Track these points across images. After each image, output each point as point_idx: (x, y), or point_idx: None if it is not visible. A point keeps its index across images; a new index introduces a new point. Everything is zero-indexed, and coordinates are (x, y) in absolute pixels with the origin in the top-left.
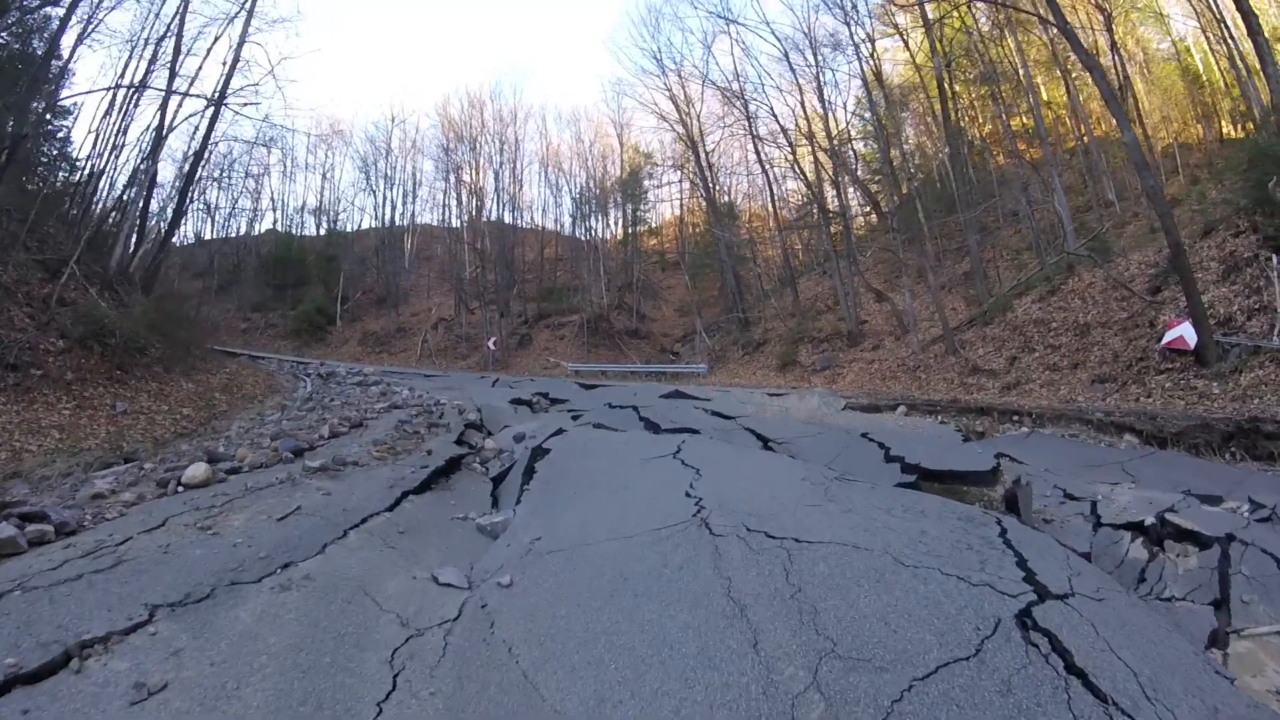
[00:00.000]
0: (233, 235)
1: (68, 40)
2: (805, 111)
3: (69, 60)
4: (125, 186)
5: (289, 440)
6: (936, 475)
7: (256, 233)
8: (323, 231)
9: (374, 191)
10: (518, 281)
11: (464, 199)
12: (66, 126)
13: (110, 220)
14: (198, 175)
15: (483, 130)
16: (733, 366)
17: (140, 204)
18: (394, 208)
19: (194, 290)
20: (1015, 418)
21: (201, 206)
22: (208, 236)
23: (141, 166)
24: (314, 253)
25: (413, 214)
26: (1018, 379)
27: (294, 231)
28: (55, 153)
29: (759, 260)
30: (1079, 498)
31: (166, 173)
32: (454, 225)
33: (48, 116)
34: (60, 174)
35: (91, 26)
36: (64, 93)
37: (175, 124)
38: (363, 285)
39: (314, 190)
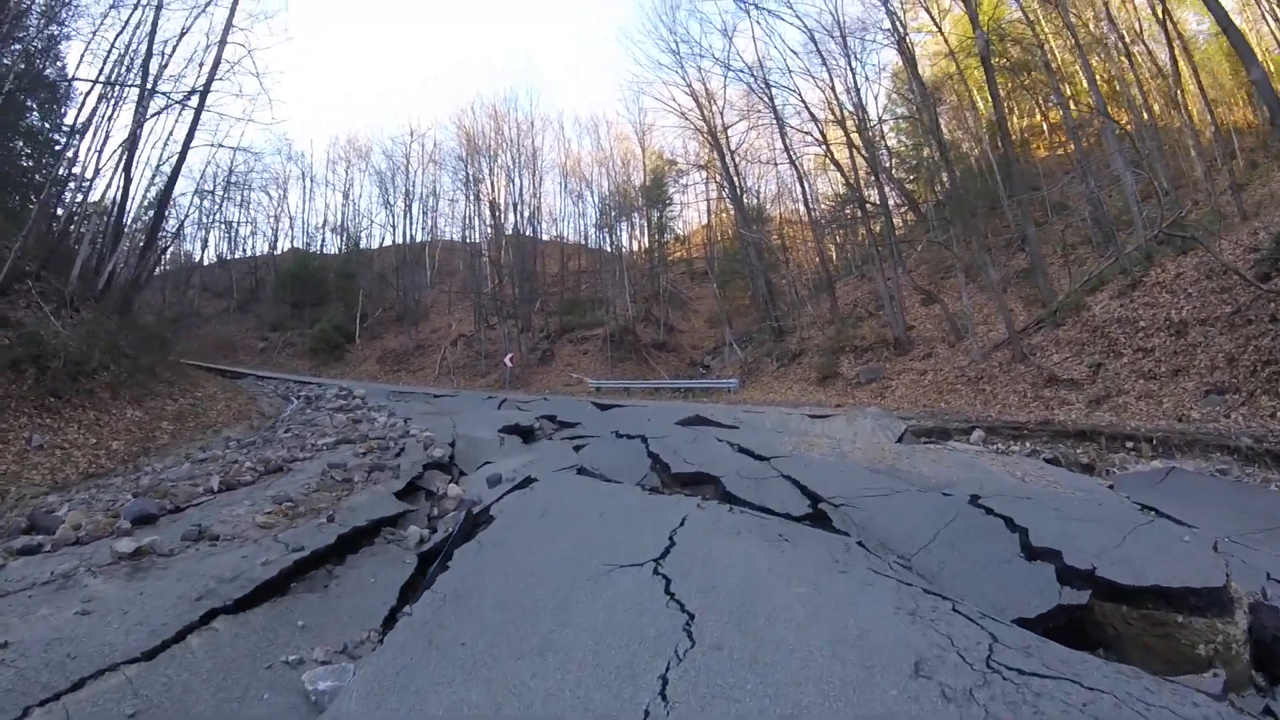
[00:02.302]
0: (255, 255)
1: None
2: (837, 98)
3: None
4: (79, 199)
5: (140, 503)
6: (1126, 593)
7: (279, 252)
8: (344, 249)
9: (389, 205)
10: (539, 295)
11: (483, 212)
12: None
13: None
14: (176, 184)
15: (501, 142)
16: (766, 380)
17: (111, 216)
18: (413, 223)
19: (212, 309)
20: (1130, 444)
21: (220, 225)
22: (230, 256)
23: (103, 173)
24: (333, 270)
25: (432, 229)
26: (1106, 390)
27: (315, 249)
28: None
29: (792, 264)
30: None
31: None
32: (475, 240)
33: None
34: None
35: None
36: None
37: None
38: (382, 303)
39: (334, 208)
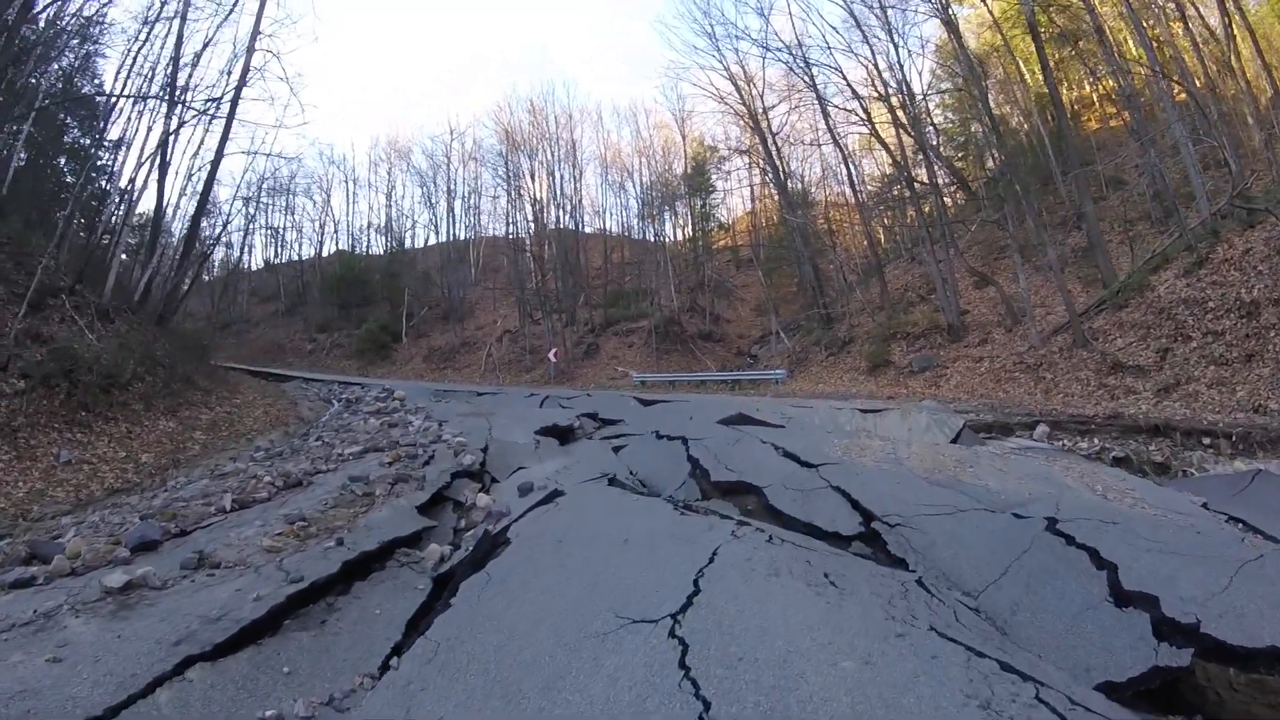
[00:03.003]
0: (302, 259)
1: None
2: (880, 74)
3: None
4: (116, 208)
5: (144, 527)
6: (1236, 655)
7: (325, 255)
8: (389, 249)
9: (432, 204)
10: (583, 289)
11: (524, 208)
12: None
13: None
14: (210, 193)
15: (539, 136)
16: (815, 370)
17: (150, 227)
18: (456, 221)
19: (261, 314)
20: (1207, 441)
21: (265, 230)
22: (277, 261)
23: (138, 186)
24: (378, 271)
25: (475, 226)
26: (1176, 378)
27: (360, 251)
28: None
29: (839, 249)
30: None
31: (227, 194)
32: (518, 235)
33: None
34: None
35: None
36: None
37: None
38: (428, 301)
39: (378, 209)
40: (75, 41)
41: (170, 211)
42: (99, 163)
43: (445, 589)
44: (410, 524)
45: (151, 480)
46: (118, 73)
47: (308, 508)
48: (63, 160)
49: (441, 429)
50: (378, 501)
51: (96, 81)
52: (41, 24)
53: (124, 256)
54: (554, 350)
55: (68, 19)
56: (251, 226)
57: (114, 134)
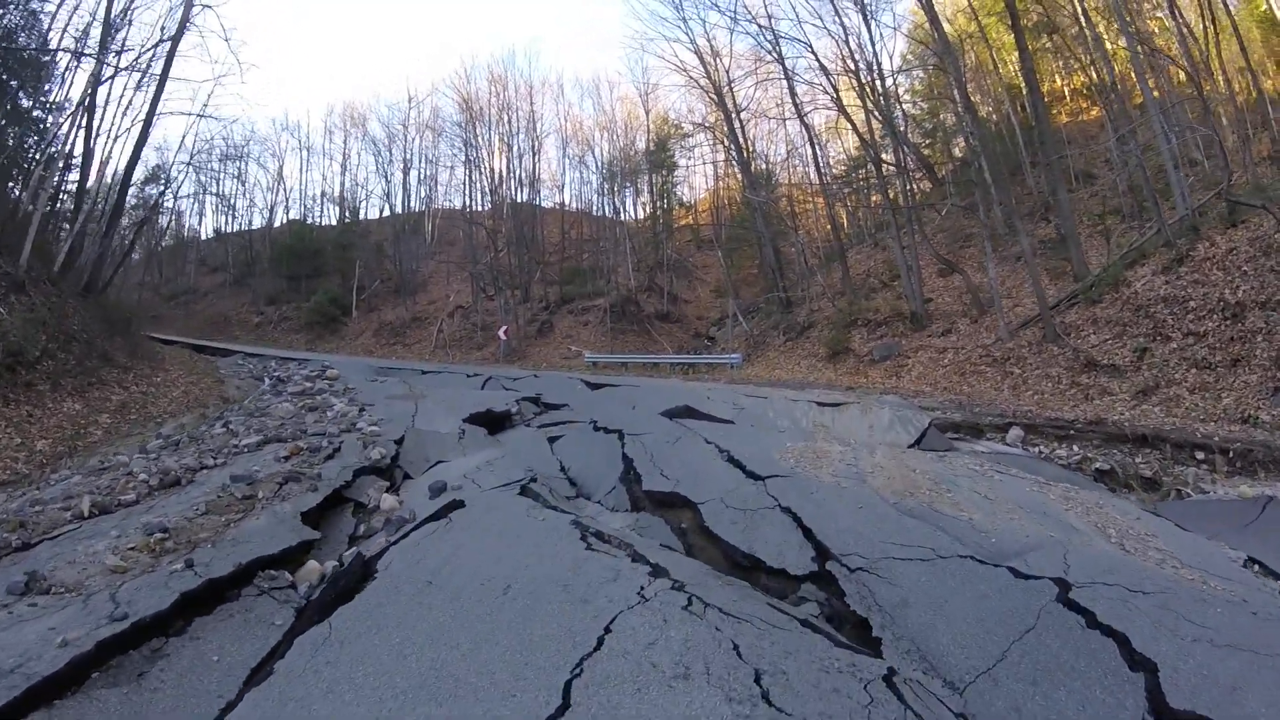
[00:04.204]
0: (252, 228)
1: None
2: (850, 51)
3: None
4: (40, 170)
5: None
6: None
7: (277, 225)
8: (342, 220)
9: (387, 175)
10: (539, 264)
11: (482, 180)
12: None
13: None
14: (140, 155)
15: (501, 106)
16: (773, 355)
17: (73, 192)
18: (408, 192)
19: (209, 285)
20: (1200, 456)
21: (214, 198)
22: (228, 231)
23: (62, 151)
24: (330, 242)
25: (427, 197)
26: (1155, 380)
27: (312, 221)
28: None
29: (801, 231)
30: None
31: (177, 158)
32: (474, 208)
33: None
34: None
35: None
36: None
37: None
38: (380, 274)
39: (332, 179)
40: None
41: (111, 177)
42: (40, 126)
43: (322, 616)
44: (287, 537)
45: (41, 472)
46: (63, 31)
47: (174, 514)
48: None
49: (361, 415)
50: (258, 506)
51: (42, 41)
52: None
53: (59, 226)
54: (504, 328)
55: None
56: (200, 194)
57: (56, 96)
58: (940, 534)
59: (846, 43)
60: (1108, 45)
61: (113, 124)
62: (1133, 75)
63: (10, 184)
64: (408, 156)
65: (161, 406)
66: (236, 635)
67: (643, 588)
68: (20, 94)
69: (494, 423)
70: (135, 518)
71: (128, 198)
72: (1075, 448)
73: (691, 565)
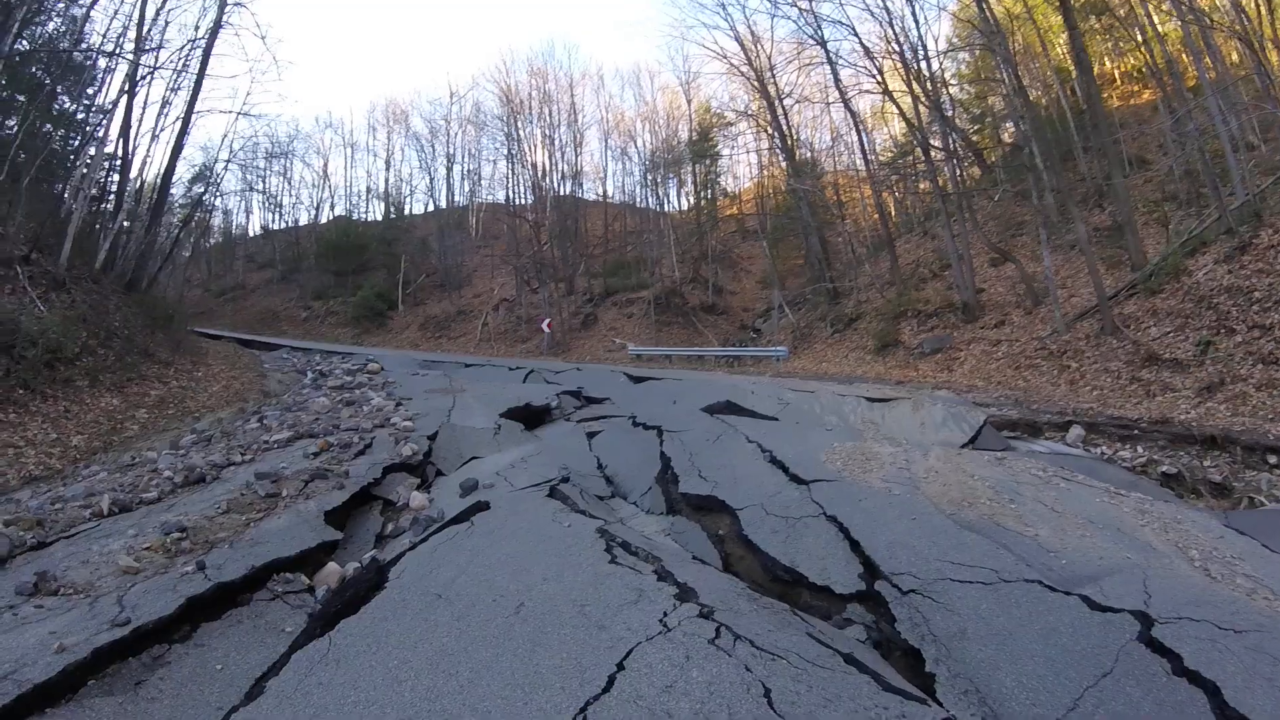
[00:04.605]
0: (300, 225)
1: None
2: (894, 33)
3: None
4: (81, 170)
5: None
6: None
7: (323, 221)
8: (387, 216)
9: (430, 170)
10: (583, 257)
11: (522, 174)
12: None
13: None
14: (181, 153)
15: (540, 99)
16: (819, 348)
17: (113, 193)
18: (451, 187)
19: (258, 281)
20: (1272, 460)
21: (261, 195)
22: (275, 227)
23: (106, 152)
24: (375, 238)
25: (471, 191)
26: (1220, 376)
27: (358, 217)
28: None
29: (848, 221)
30: None
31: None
32: (517, 202)
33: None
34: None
35: None
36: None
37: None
38: (425, 269)
39: (377, 175)
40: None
41: (152, 175)
42: (82, 127)
43: (328, 622)
44: (307, 537)
45: (75, 466)
46: (103, 36)
47: (194, 513)
48: (49, 127)
49: (397, 409)
50: (280, 505)
51: (83, 46)
52: None
53: (106, 225)
54: (547, 321)
55: None
56: (246, 191)
57: (99, 99)
58: (1003, 552)
59: (890, 25)
60: (1157, 25)
61: (156, 123)
62: (1183, 57)
63: (53, 184)
64: (450, 151)
65: (200, 401)
66: (243, 643)
67: (666, 614)
68: (63, 96)
69: (532, 417)
70: (155, 516)
71: (170, 196)
72: (1139, 449)
73: (723, 582)
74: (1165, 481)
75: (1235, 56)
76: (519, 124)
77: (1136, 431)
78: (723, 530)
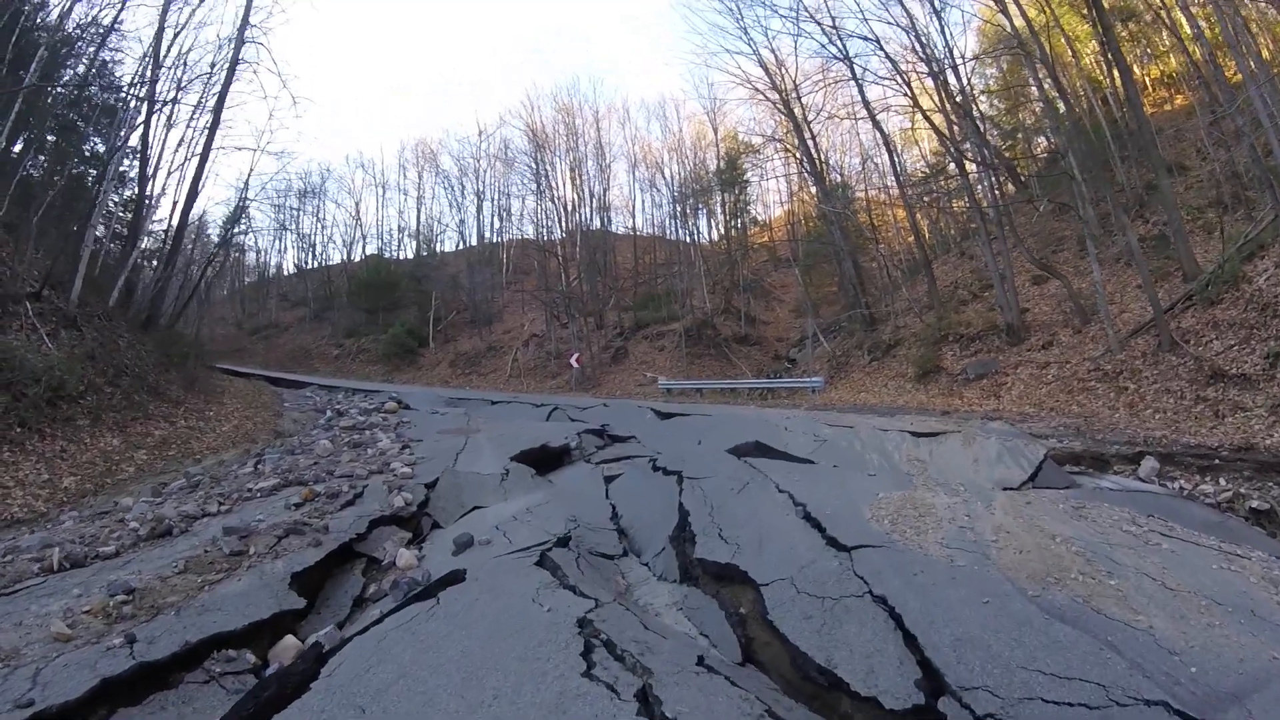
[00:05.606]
0: (332, 264)
1: None
2: (921, 47)
3: None
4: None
5: None
6: None
7: (355, 259)
8: (418, 253)
9: (459, 207)
10: (613, 291)
11: (550, 209)
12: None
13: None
14: (198, 192)
15: (567, 134)
16: (857, 377)
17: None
18: (481, 224)
19: (291, 319)
20: None
21: (297, 236)
22: (308, 266)
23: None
24: (406, 275)
25: (500, 228)
26: None
27: (390, 255)
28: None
29: (881, 244)
30: None
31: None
32: (546, 237)
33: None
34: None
35: None
36: None
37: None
38: (456, 305)
39: (408, 213)
40: (91, 49)
41: (170, 212)
42: (100, 164)
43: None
44: (264, 605)
45: (59, 510)
46: (132, 80)
47: (148, 572)
48: (83, 168)
49: (401, 453)
50: (244, 565)
51: (115, 86)
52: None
53: (123, 263)
54: (575, 355)
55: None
56: (280, 231)
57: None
58: (1110, 656)
59: (917, 38)
60: (1185, 27)
61: (178, 160)
62: (1218, 55)
63: (74, 222)
64: (480, 188)
65: (206, 442)
66: None
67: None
68: (92, 135)
69: (548, 460)
70: (106, 574)
71: (193, 234)
72: (1223, 481)
73: (731, 701)
74: (1255, 519)
75: (1267, 53)
76: (546, 159)
77: (1217, 461)
78: (744, 608)
